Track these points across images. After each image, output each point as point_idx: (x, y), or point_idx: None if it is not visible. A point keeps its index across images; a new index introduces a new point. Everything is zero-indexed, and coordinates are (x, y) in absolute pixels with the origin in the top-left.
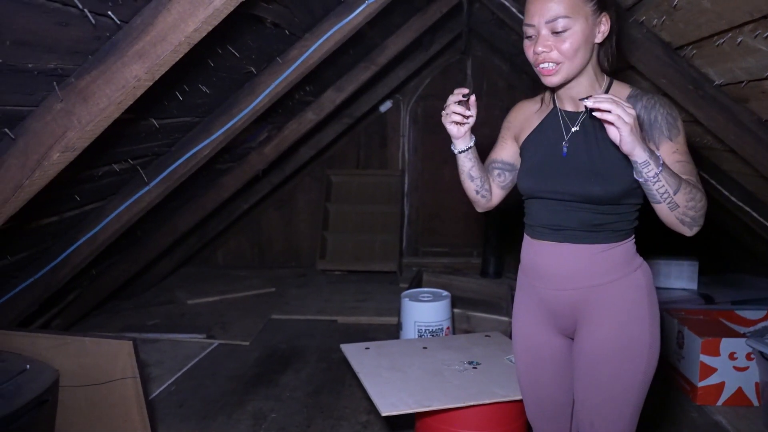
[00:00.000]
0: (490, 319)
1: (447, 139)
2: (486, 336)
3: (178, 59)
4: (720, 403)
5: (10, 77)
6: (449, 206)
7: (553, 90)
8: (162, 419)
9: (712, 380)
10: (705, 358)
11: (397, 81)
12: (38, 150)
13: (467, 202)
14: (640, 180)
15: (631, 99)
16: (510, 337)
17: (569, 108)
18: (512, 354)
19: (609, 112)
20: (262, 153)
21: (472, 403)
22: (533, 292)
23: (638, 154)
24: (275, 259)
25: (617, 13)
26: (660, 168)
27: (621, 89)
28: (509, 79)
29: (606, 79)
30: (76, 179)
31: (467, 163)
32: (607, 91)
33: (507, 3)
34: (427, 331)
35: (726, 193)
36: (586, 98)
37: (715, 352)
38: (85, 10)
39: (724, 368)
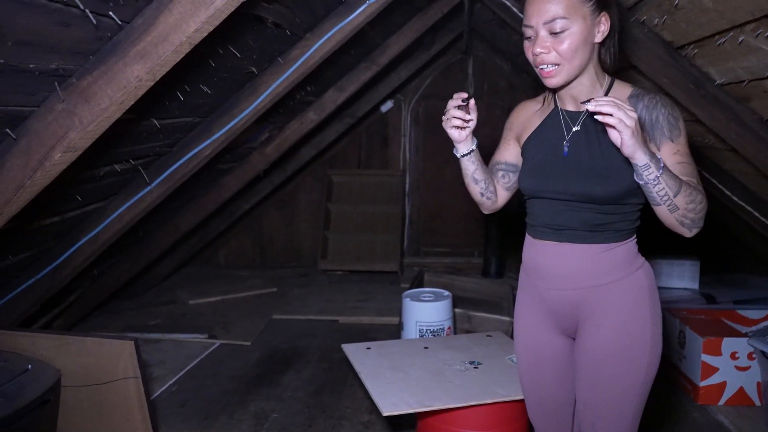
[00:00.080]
0: (492, 319)
1: (448, 139)
2: (487, 336)
3: (179, 59)
4: (722, 402)
5: (12, 77)
6: (450, 206)
7: (554, 90)
8: (163, 419)
9: (714, 380)
10: (707, 358)
11: (398, 81)
12: (40, 150)
13: (468, 201)
14: (641, 182)
15: (633, 98)
16: (511, 336)
17: (570, 108)
18: (514, 354)
19: (610, 115)
20: (264, 153)
21: (473, 403)
22: (535, 292)
23: (639, 158)
24: (277, 259)
25: (618, 12)
26: (661, 171)
27: (622, 89)
28: (510, 79)
29: (607, 79)
30: (77, 179)
31: (470, 166)
32: (608, 91)
33: (508, 3)
34: (429, 331)
35: (728, 192)
36: (588, 101)
37: (717, 352)
38: (87, 10)
39: (726, 368)
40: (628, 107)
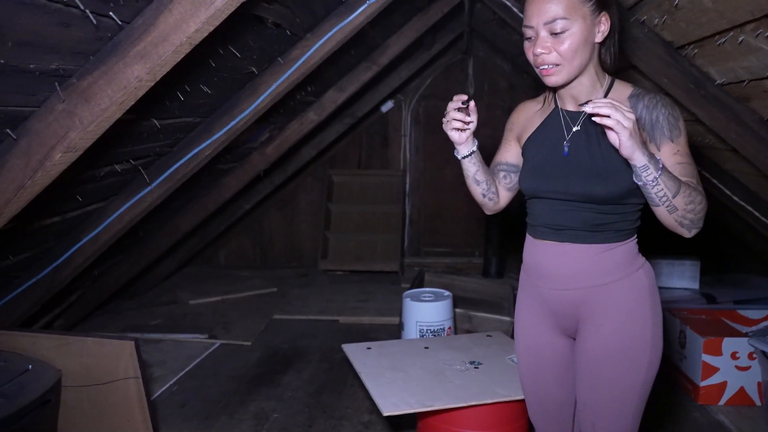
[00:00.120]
0: (492, 319)
1: (448, 139)
2: (488, 336)
3: (179, 59)
4: (722, 402)
5: (13, 78)
6: (451, 206)
7: (555, 90)
8: (164, 419)
9: (714, 380)
10: (707, 358)
11: (398, 81)
12: (40, 150)
13: (469, 201)
14: (639, 183)
15: (633, 98)
16: (512, 336)
17: (571, 108)
18: (514, 354)
19: (608, 116)
20: (264, 153)
21: (473, 403)
22: (535, 292)
23: (637, 158)
24: (277, 259)
25: (618, 12)
26: (659, 172)
27: (623, 88)
28: (511, 79)
29: (608, 79)
30: (78, 179)
31: (471, 168)
32: (608, 90)
33: (508, 3)
34: (429, 331)
35: (728, 192)
36: (586, 103)
37: (717, 352)
38: (87, 10)
39: (726, 368)
40: (626, 108)
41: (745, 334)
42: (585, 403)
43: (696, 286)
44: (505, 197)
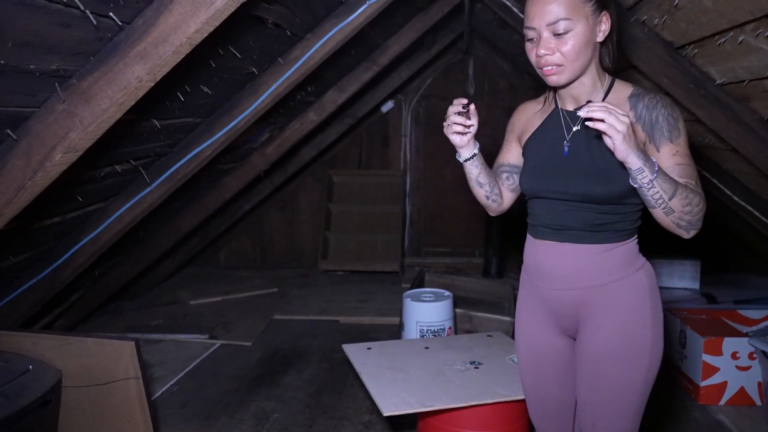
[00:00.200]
0: (493, 319)
1: (449, 140)
2: (488, 336)
3: (179, 60)
4: (722, 402)
5: (13, 78)
6: (451, 206)
7: (555, 90)
8: (164, 419)
9: (715, 380)
10: (707, 358)
11: (398, 81)
12: (41, 151)
13: (469, 202)
14: (635, 186)
15: (633, 98)
16: (512, 337)
17: (571, 108)
18: (514, 354)
19: (602, 120)
20: (264, 153)
21: (474, 403)
22: (536, 292)
23: (632, 161)
24: (277, 260)
25: (617, 11)
26: (654, 174)
27: (623, 88)
28: (511, 79)
29: (608, 78)
30: (78, 180)
31: (474, 171)
32: (609, 90)
33: (508, 3)
34: (429, 331)
35: (728, 192)
36: (581, 107)
37: (718, 352)
38: (87, 11)
39: (727, 368)
40: (620, 112)
41: (746, 334)
42: (585, 403)
43: (696, 286)
44: (508, 198)
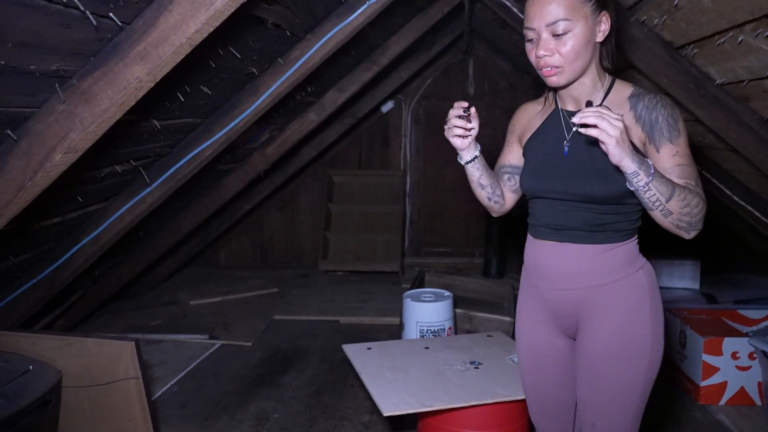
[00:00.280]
0: (493, 319)
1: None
2: (488, 336)
3: (179, 60)
4: (723, 402)
5: (13, 78)
6: (451, 206)
7: (555, 90)
8: (165, 420)
9: (715, 380)
10: (707, 358)
11: (398, 81)
12: (41, 151)
13: (469, 202)
14: (631, 189)
15: (633, 98)
16: (512, 337)
17: (571, 108)
18: (514, 354)
19: (596, 126)
20: (264, 154)
21: (474, 403)
22: (536, 292)
23: (627, 165)
24: (277, 260)
25: (616, 10)
26: (650, 178)
27: (623, 88)
28: (511, 79)
29: (608, 78)
30: (78, 180)
31: (475, 173)
32: (609, 90)
33: (508, 3)
34: (429, 332)
35: (728, 192)
36: (577, 112)
37: (718, 352)
38: (87, 11)
39: (727, 368)
40: (613, 116)
41: (746, 334)
42: (585, 404)
43: (696, 286)
44: (510, 199)
